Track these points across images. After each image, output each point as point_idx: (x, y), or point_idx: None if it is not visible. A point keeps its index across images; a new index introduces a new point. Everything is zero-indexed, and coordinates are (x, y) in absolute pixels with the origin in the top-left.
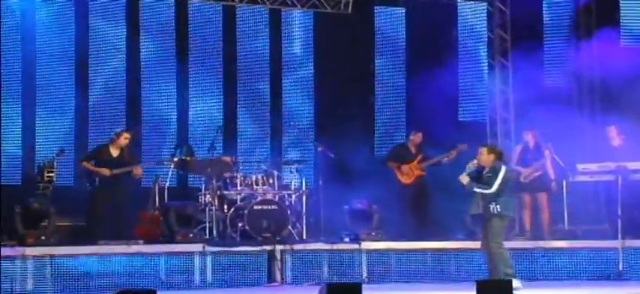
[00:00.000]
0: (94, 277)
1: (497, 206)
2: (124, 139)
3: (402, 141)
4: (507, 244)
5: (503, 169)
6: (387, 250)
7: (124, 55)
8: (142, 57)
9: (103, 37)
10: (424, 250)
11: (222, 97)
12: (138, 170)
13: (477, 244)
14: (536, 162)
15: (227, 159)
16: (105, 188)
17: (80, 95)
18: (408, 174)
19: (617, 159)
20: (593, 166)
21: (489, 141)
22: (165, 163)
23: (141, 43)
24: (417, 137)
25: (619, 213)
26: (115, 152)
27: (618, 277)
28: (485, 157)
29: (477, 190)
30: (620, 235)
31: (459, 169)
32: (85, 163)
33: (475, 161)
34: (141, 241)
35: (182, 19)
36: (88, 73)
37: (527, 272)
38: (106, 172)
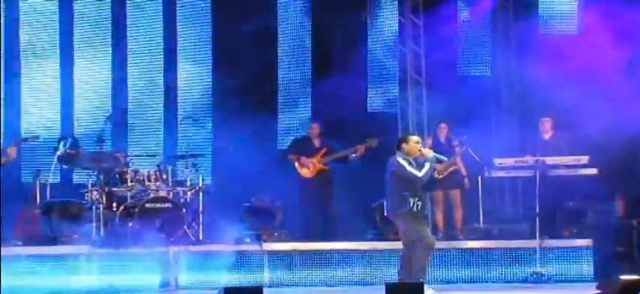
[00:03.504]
0: None
1: None
2: None
3: (304, 133)
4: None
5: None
6: (291, 251)
7: (2, 43)
8: (21, 44)
9: None
10: (330, 251)
11: (111, 85)
12: (12, 150)
13: (387, 245)
14: (449, 157)
15: (119, 155)
16: None
17: None
18: (308, 167)
19: (546, 153)
20: (509, 161)
21: (400, 133)
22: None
23: (20, 30)
24: (314, 129)
25: (537, 211)
26: None
27: (536, 280)
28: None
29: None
30: (538, 235)
31: (370, 165)
32: None
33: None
34: (20, 243)
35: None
36: None
37: (440, 275)
38: None
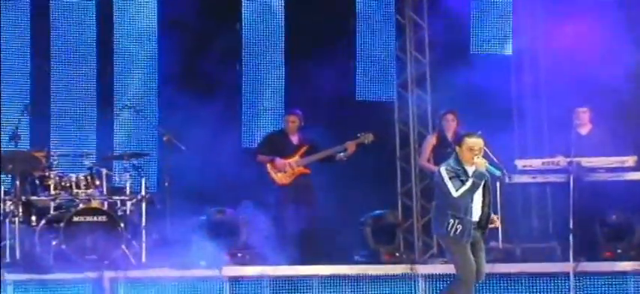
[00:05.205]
0: None
1: None
2: None
3: (279, 127)
4: (423, 269)
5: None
6: (260, 277)
7: None
8: None
9: None
10: (309, 277)
11: (29, 66)
12: None
13: (380, 269)
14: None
15: (39, 154)
16: None
17: None
18: (284, 171)
19: (583, 152)
20: (536, 163)
21: (397, 127)
22: None
23: None
24: (292, 121)
25: (570, 226)
26: None
27: None
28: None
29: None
30: (572, 257)
31: (360, 167)
32: None
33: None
34: None
35: None
36: None
37: None
38: None
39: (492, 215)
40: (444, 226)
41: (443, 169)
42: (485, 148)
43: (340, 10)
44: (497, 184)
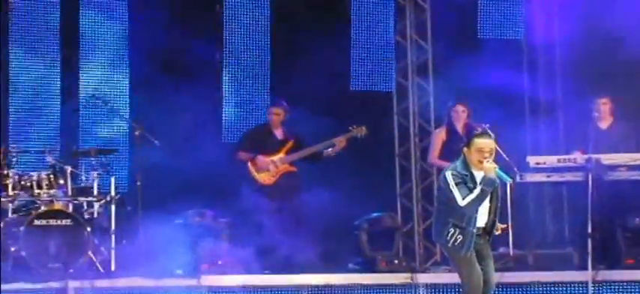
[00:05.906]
0: None
1: None
2: None
3: (263, 121)
4: (424, 278)
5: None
6: (242, 287)
7: None
8: None
9: None
10: (298, 287)
11: None
12: None
13: (376, 278)
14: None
15: None
16: None
17: None
18: (267, 170)
19: (603, 149)
20: (550, 160)
21: (396, 120)
22: None
23: None
24: (276, 113)
25: (589, 230)
26: None
27: None
28: None
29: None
30: (590, 264)
31: (354, 164)
32: None
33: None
34: None
35: None
36: None
37: None
38: None
39: (498, 224)
40: (443, 235)
41: (448, 174)
42: (496, 146)
43: None
44: (508, 185)
